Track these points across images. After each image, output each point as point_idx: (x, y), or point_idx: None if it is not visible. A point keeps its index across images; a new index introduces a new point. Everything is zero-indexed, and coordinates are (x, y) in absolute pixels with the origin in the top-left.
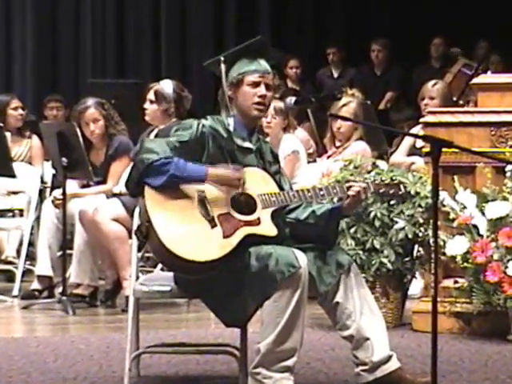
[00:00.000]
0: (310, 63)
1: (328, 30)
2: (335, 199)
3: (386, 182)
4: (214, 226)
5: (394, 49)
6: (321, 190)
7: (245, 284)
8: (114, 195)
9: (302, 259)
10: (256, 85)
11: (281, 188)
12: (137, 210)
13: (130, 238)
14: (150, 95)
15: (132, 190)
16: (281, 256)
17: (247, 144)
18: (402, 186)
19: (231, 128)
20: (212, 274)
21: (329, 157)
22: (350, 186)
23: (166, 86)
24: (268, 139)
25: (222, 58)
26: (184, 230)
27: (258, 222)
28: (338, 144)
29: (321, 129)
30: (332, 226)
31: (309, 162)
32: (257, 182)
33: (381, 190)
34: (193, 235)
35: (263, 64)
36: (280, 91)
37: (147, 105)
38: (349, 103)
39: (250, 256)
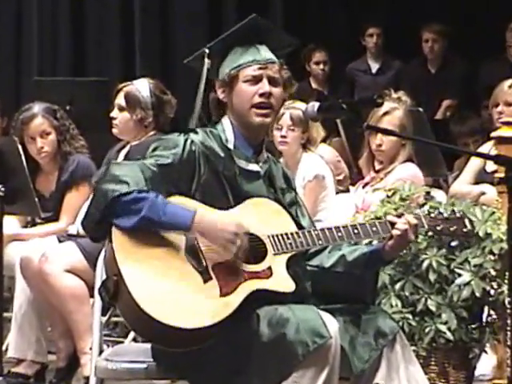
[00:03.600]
0: (343, 57)
1: (366, 11)
2: (374, 241)
3: (446, 215)
4: (207, 279)
5: (454, 37)
6: (355, 228)
7: (252, 359)
8: (70, 237)
9: (332, 326)
10: (256, 80)
11: (299, 225)
12: (101, 259)
13: (92, 296)
14: (120, 99)
15: (92, 231)
16: (303, 321)
17: (253, 166)
18: (467, 221)
19: (230, 145)
20: (205, 347)
21: (366, 184)
22: (395, 223)
23: (141, 86)
24: (282, 160)
25: (207, 51)
26: (166, 285)
27: (268, 274)
28: (378, 167)
29: (355, 146)
30: (369, 276)
31: (338, 192)
32: (266, 217)
33: (438, 227)
34: (178, 293)
35: (264, 51)
36: (294, 88)
37: (115, 113)
38: (393, 111)
39: (258, 321)
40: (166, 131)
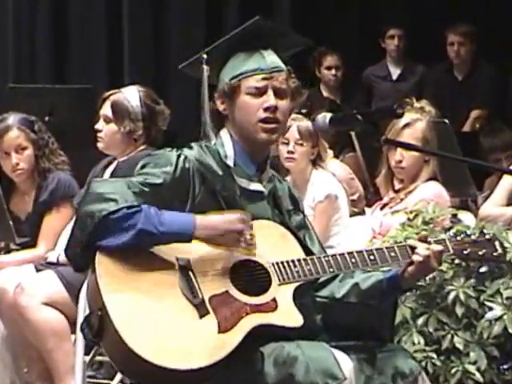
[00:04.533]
0: (358, 61)
1: (385, 10)
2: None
3: (474, 238)
4: (204, 313)
5: (482, 40)
6: (371, 254)
7: None
8: (49, 265)
9: (346, 366)
10: (260, 91)
11: (307, 251)
12: (84, 290)
13: (74, 332)
14: (106, 109)
15: (76, 259)
16: (313, 360)
17: (255, 186)
18: (497, 244)
19: (230, 161)
20: None
21: (384, 206)
22: (416, 248)
23: (130, 95)
24: (289, 178)
25: (205, 56)
26: (158, 321)
27: (273, 307)
28: (397, 186)
29: (371, 163)
30: (386, 308)
31: (352, 215)
32: (271, 242)
33: (465, 251)
34: (171, 329)
35: (270, 57)
36: (303, 98)
37: (101, 124)
38: (415, 122)
39: (263, 360)
40: (158, 145)
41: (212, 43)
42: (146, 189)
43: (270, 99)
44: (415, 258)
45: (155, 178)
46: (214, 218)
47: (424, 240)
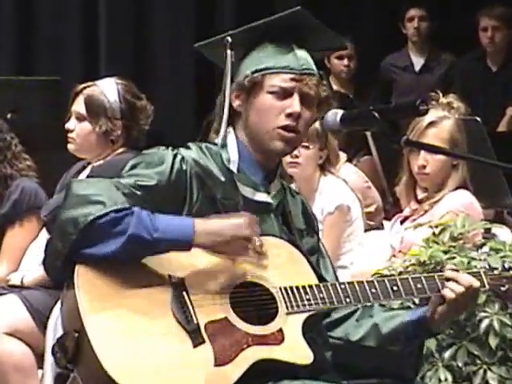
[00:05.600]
0: (375, 49)
1: None
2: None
3: None
4: (198, 342)
5: None
6: (394, 284)
7: None
8: (12, 289)
9: None
10: (285, 93)
11: (320, 277)
12: (53, 317)
13: (41, 367)
14: (78, 106)
15: (57, 274)
16: None
17: (261, 196)
18: None
19: (234, 166)
20: None
21: (405, 219)
22: (447, 279)
23: (107, 89)
24: (294, 186)
25: (229, 39)
26: (145, 348)
27: (279, 339)
28: (421, 196)
29: (390, 168)
30: (410, 351)
31: (368, 230)
32: (279, 264)
33: (503, 288)
34: (160, 359)
35: (303, 56)
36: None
37: (72, 123)
38: (441, 121)
39: None
40: (140, 148)
41: (203, 28)
42: (137, 192)
43: (294, 104)
44: (447, 294)
45: (148, 180)
46: (218, 222)
47: (454, 271)
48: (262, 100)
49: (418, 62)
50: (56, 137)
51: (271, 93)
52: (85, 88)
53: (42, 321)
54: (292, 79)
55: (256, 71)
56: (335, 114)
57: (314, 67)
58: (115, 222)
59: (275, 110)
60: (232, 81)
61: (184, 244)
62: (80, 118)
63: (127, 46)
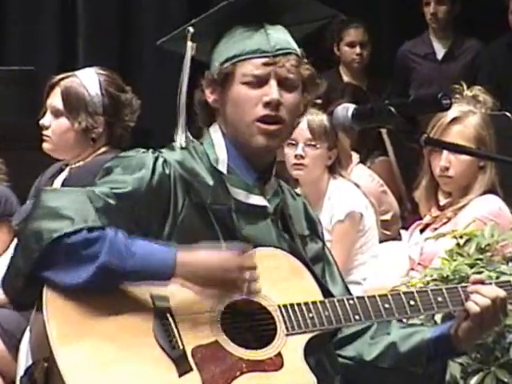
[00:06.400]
0: (391, 34)
1: None
2: (438, 315)
3: None
4: (184, 370)
5: None
6: (411, 297)
7: None
8: None
9: None
10: (259, 81)
11: (325, 292)
12: (26, 338)
13: None
14: (54, 99)
15: (17, 294)
16: None
17: (256, 199)
18: None
19: (223, 166)
20: None
21: (425, 228)
22: (472, 292)
23: (87, 80)
24: (299, 190)
25: (191, 29)
26: (122, 378)
27: (277, 364)
28: (443, 201)
29: (409, 170)
30: (432, 373)
31: (383, 240)
32: (276, 278)
33: None
34: None
35: (276, 35)
36: (319, 90)
37: (47, 119)
38: (467, 117)
39: None
40: (125, 148)
41: (196, 11)
42: (113, 202)
43: (271, 91)
44: (470, 307)
45: (125, 186)
46: (205, 257)
47: (481, 283)
48: (236, 92)
49: (440, 49)
50: (29, 135)
51: (244, 83)
52: (62, 79)
53: (13, 344)
54: (265, 64)
55: (226, 61)
56: (346, 109)
57: (291, 45)
58: (85, 243)
59: (251, 101)
60: (195, 74)
61: (161, 276)
62: (56, 114)
63: (109, 33)
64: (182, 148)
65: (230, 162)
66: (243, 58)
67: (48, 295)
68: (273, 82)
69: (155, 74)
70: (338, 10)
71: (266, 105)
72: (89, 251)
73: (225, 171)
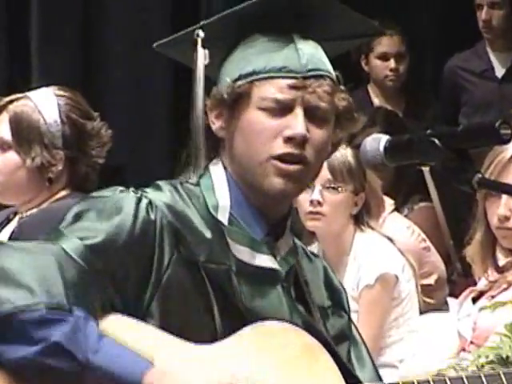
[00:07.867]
0: (434, 46)
1: None
2: None
3: None
4: None
5: None
6: (460, 383)
7: None
8: None
9: None
10: (283, 108)
11: (349, 376)
12: None
13: None
14: (0, 128)
15: None
16: None
17: (264, 259)
18: None
19: (223, 216)
20: None
21: (480, 295)
22: None
23: (43, 103)
24: (315, 247)
25: (201, 33)
26: None
27: None
28: (503, 261)
29: (458, 220)
30: None
31: (425, 311)
32: (287, 360)
33: None
34: None
35: (308, 51)
36: (356, 128)
37: None
38: None
39: None
40: (90, 190)
41: (182, 11)
42: (85, 264)
43: (296, 123)
44: None
45: (99, 236)
46: (183, 376)
47: None
48: (250, 119)
49: (500, 64)
50: None
51: (263, 109)
52: (10, 102)
53: None
54: (291, 87)
55: (240, 78)
56: (377, 141)
57: (326, 66)
58: (40, 324)
59: (269, 132)
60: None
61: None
62: (3, 147)
63: (69, 41)
64: (171, 188)
65: (233, 210)
66: (264, 76)
67: None
68: (299, 111)
69: (130, 96)
70: (369, 13)
71: (288, 140)
72: (41, 333)
73: (226, 222)
